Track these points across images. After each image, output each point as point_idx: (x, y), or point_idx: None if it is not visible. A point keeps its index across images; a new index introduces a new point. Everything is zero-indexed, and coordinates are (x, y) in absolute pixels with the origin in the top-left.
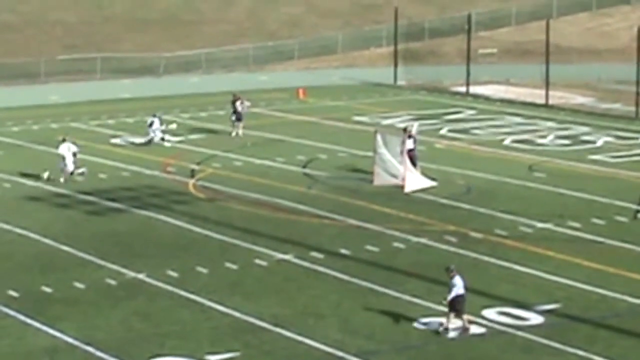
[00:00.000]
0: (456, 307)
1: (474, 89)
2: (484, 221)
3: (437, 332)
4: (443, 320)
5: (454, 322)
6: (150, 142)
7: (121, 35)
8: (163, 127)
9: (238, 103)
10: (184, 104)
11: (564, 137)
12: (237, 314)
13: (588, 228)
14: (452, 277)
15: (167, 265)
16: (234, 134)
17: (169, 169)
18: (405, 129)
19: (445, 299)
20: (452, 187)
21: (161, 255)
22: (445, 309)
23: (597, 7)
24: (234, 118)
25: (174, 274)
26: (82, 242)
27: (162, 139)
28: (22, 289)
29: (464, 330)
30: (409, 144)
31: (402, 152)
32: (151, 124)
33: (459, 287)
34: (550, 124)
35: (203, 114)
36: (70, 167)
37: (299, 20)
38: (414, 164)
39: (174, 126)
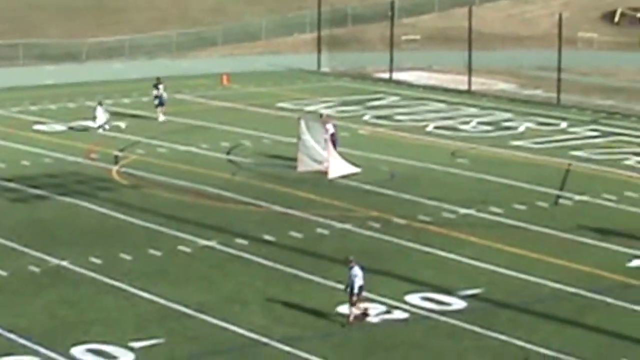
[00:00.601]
0: (358, 297)
1: (397, 76)
2: (407, 207)
3: (342, 326)
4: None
5: (357, 310)
6: (101, 127)
7: (48, 22)
8: (105, 116)
9: (161, 87)
10: (107, 90)
11: (487, 123)
12: (161, 301)
13: (510, 214)
14: (351, 268)
15: (90, 252)
16: (160, 119)
17: (93, 155)
18: (321, 116)
19: (346, 290)
20: (376, 174)
21: (85, 242)
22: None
23: None
24: (156, 102)
25: (98, 261)
26: (5, 230)
27: (101, 127)
28: None
29: (354, 319)
30: (330, 128)
31: (325, 139)
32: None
33: (359, 277)
34: (472, 110)
35: (126, 100)
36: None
37: (223, 6)
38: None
39: (122, 125)
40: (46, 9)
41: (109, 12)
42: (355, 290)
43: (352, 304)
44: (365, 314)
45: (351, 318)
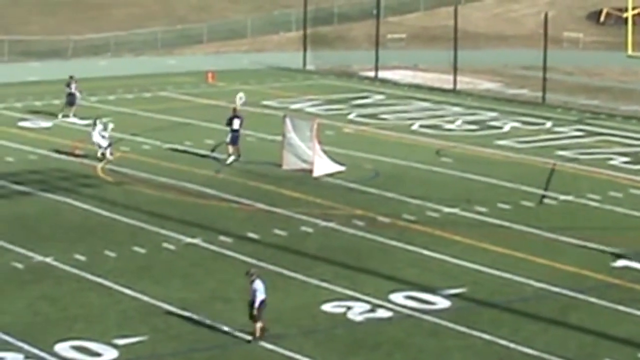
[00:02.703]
0: (259, 312)
1: (382, 74)
2: (391, 206)
3: (248, 342)
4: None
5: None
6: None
7: (29, 18)
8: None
9: (73, 86)
10: (92, 87)
11: (471, 122)
12: (145, 298)
13: (494, 213)
14: (252, 282)
15: (74, 249)
16: (60, 115)
17: (77, 152)
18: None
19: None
20: (360, 172)
21: (69, 238)
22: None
23: None
24: (65, 101)
25: (82, 258)
26: None
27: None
28: None
29: (259, 335)
30: (236, 124)
31: (311, 137)
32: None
33: (261, 291)
34: (457, 109)
35: (111, 97)
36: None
37: (208, 4)
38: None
39: (110, 125)
40: (24, 4)
41: (90, 8)
42: (256, 305)
43: (255, 320)
44: (263, 330)
45: (257, 333)
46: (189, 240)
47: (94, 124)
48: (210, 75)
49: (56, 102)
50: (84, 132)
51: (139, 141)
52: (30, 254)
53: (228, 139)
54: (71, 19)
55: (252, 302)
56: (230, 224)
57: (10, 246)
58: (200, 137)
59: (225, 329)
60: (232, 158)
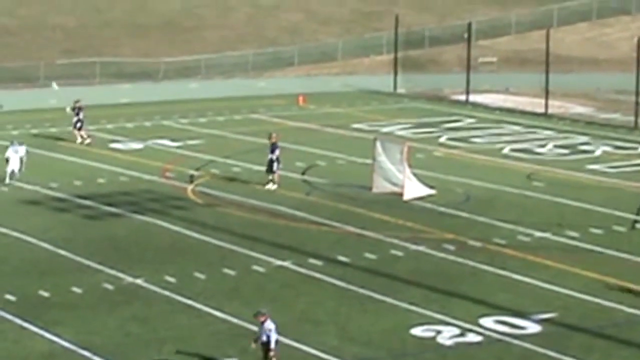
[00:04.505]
0: (277, 352)
1: (473, 98)
2: (482, 230)
3: None
4: None
5: None
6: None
7: (120, 40)
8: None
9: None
10: (183, 110)
11: (563, 146)
12: (234, 320)
13: (586, 237)
14: (263, 322)
15: (164, 270)
16: (79, 140)
17: (168, 174)
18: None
19: (255, 342)
20: (451, 196)
21: (159, 260)
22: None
23: (597, 17)
24: (78, 125)
25: (172, 279)
26: (80, 247)
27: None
28: (19, 293)
29: None
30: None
31: (401, 160)
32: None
33: (274, 330)
34: (549, 133)
35: (202, 120)
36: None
37: (299, 27)
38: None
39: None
40: (117, 27)
41: (181, 30)
42: (272, 345)
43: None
44: None
45: None
46: (279, 262)
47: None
48: (301, 98)
49: (147, 124)
50: (175, 154)
51: (230, 163)
52: (121, 275)
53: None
54: (163, 42)
55: (266, 343)
56: (320, 247)
57: (101, 267)
58: (290, 160)
59: (313, 351)
60: (275, 186)
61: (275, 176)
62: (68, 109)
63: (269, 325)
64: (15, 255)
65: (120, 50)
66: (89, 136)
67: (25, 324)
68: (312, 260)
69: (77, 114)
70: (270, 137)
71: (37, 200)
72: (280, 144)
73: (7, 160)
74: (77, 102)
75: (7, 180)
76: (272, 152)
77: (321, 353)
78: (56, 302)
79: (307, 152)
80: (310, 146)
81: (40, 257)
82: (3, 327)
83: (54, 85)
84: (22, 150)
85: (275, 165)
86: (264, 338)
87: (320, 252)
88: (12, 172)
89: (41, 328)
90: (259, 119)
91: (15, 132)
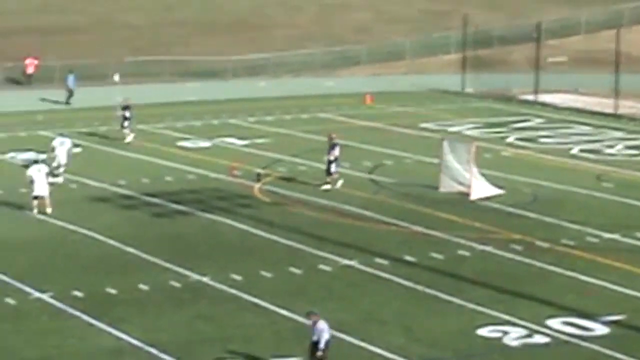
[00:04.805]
0: (325, 353)
1: (542, 97)
2: (550, 230)
3: None
4: None
5: None
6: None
7: (189, 38)
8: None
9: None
10: (250, 108)
11: (633, 147)
12: (300, 319)
13: None
14: (315, 322)
15: (231, 268)
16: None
17: (235, 172)
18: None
19: (318, 349)
20: (519, 196)
21: (226, 258)
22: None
23: None
24: (126, 123)
25: (238, 278)
26: (148, 244)
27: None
28: (87, 289)
29: None
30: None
31: (469, 160)
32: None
33: (326, 331)
34: (618, 133)
35: (270, 118)
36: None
37: (367, 26)
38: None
39: (60, 180)
40: (186, 25)
41: (249, 29)
42: (322, 345)
43: None
44: None
45: None
46: (345, 262)
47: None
48: (368, 97)
49: (215, 122)
50: (242, 153)
51: (297, 162)
52: (188, 273)
53: (332, 169)
54: (231, 40)
55: (316, 343)
56: (387, 246)
57: (168, 265)
58: (357, 159)
59: (379, 351)
60: (329, 186)
61: (333, 177)
62: (119, 112)
63: (321, 325)
64: (83, 252)
65: (189, 49)
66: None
67: (93, 321)
68: (378, 260)
69: (126, 112)
70: (329, 137)
71: (105, 198)
72: (347, 142)
73: (52, 150)
74: (126, 100)
75: (56, 171)
76: (331, 152)
77: (387, 353)
78: (123, 299)
79: (375, 151)
80: (377, 145)
81: (107, 254)
82: (70, 324)
83: (116, 77)
84: (68, 142)
85: (333, 166)
86: (315, 338)
87: (386, 252)
88: (59, 164)
89: (108, 325)
90: (327, 117)
91: (84, 129)
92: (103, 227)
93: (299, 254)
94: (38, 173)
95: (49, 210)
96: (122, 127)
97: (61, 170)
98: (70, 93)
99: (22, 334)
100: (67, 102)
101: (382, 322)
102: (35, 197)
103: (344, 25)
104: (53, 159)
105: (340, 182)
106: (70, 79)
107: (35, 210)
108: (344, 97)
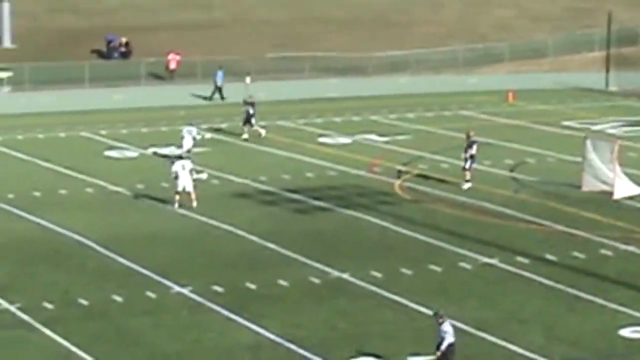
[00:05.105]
0: (448, 357)
1: None
2: None
3: None
4: None
5: None
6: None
7: (330, 35)
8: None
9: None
10: (391, 105)
11: None
12: None
13: None
14: (441, 324)
15: (371, 265)
16: (262, 133)
17: (376, 169)
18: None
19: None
20: None
21: (365, 255)
22: None
23: None
24: (253, 121)
25: (378, 275)
26: (288, 240)
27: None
28: (227, 284)
29: None
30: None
31: (612, 159)
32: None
33: (450, 334)
34: None
35: (410, 115)
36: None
37: (510, 23)
38: None
39: (204, 176)
40: (326, 21)
41: (391, 25)
42: (443, 348)
43: None
44: None
45: None
46: (485, 260)
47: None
48: (510, 94)
49: (355, 118)
50: (382, 149)
51: (438, 159)
52: (328, 269)
53: (467, 165)
54: (372, 36)
55: (439, 345)
56: (528, 245)
57: (308, 261)
58: (499, 157)
59: (519, 350)
60: (469, 185)
61: (468, 174)
62: (242, 108)
63: (445, 327)
64: (224, 247)
65: (329, 45)
66: (248, 132)
67: (232, 316)
68: (519, 259)
69: (249, 109)
70: (467, 135)
71: (246, 194)
72: (489, 140)
73: (182, 138)
74: (250, 97)
75: (184, 155)
76: (468, 149)
77: (527, 352)
78: (263, 294)
79: (516, 149)
80: (519, 143)
81: (248, 249)
82: (210, 318)
83: (247, 79)
84: (193, 131)
85: (468, 162)
86: (440, 339)
87: (527, 250)
88: (188, 150)
89: (247, 320)
90: (468, 115)
91: (224, 125)
92: (244, 222)
93: (439, 251)
94: (183, 169)
95: (194, 204)
96: (244, 123)
97: (189, 154)
98: (218, 89)
99: (161, 328)
100: (210, 98)
101: (522, 321)
102: (178, 192)
103: (486, 22)
104: (189, 150)
105: (467, 185)
106: (219, 75)
107: (177, 205)
108: (485, 95)
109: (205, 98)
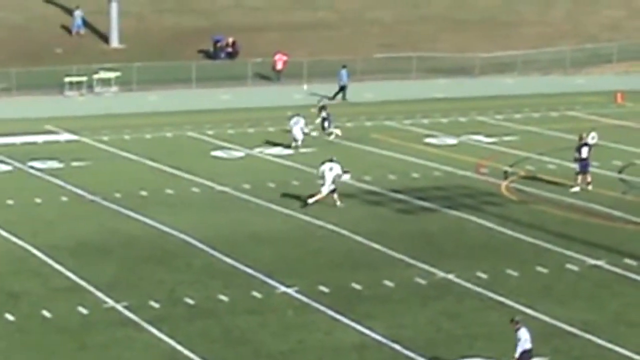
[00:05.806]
0: None
1: None
2: None
3: None
4: None
5: None
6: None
7: (437, 35)
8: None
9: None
10: (498, 106)
11: None
12: (546, 318)
13: None
14: (517, 330)
15: (477, 266)
16: (332, 137)
17: (482, 170)
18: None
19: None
20: None
21: (471, 256)
22: None
23: None
24: (326, 124)
25: (484, 276)
26: (393, 241)
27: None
28: (333, 284)
29: None
30: (584, 152)
31: None
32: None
33: (525, 340)
34: None
35: (518, 116)
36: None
37: (620, 23)
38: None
39: (347, 176)
40: (435, 22)
41: (499, 25)
42: (517, 355)
43: None
44: None
45: None
46: (593, 262)
47: (297, 117)
48: (619, 95)
49: (462, 119)
50: (489, 150)
51: (545, 160)
52: (433, 270)
53: (578, 168)
54: (480, 37)
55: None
56: (637, 247)
57: (413, 261)
58: (607, 158)
59: (627, 353)
60: (578, 188)
61: (580, 178)
62: (317, 113)
63: (520, 334)
64: (329, 247)
65: (437, 45)
66: (330, 133)
67: (337, 316)
68: (627, 261)
69: (322, 113)
70: (580, 137)
71: (352, 193)
72: (597, 141)
73: (290, 131)
74: (320, 101)
75: (293, 144)
76: (579, 151)
77: (636, 355)
78: (368, 295)
79: (625, 150)
80: (627, 144)
81: (353, 249)
82: (315, 318)
83: (305, 87)
84: (301, 122)
85: (577, 166)
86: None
87: (636, 252)
88: (296, 139)
89: (353, 320)
90: (576, 116)
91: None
92: (349, 222)
93: (545, 253)
94: (329, 172)
95: (338, 203)
96: (323, 128)
97: (299, 143)
98: (342, 88)
99: (267, 328)
100: (332, 98)
101: (631, 323)
102: (332, 191)
103: (595, 22)
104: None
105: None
106: (344, 74)
107: (338, 203)
108: (593, 95)
109: (332, 98)
